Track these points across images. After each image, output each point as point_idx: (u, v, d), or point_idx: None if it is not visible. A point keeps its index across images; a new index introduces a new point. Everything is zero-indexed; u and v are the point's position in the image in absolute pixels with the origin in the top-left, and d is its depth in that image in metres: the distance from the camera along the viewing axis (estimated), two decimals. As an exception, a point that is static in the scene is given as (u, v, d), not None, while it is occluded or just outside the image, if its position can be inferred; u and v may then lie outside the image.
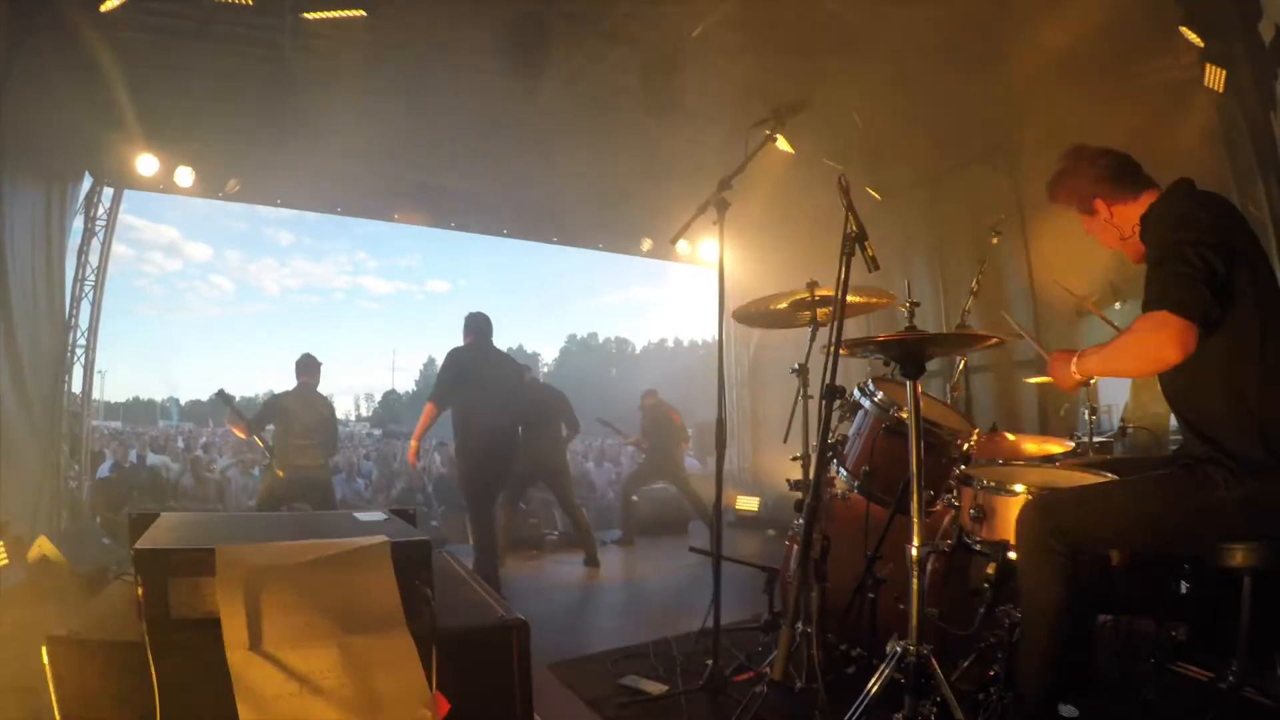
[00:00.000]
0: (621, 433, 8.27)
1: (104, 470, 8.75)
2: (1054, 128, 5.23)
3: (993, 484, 2.41)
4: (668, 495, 7.88)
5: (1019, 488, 2.33)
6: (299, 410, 5.70)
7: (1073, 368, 2.11)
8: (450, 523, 7.42)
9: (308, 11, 4.71)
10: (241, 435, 5.79)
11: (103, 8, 4.43)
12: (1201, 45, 4.37)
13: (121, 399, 58.03)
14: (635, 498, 7.67)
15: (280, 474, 5.47)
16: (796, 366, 3.16)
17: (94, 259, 6.73)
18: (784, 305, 3.19)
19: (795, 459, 3.10)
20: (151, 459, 10.63)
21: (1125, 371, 1.97)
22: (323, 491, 5.82)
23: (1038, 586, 2.02)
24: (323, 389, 6.06)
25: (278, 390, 6.13)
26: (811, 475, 2.66)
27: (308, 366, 5.96)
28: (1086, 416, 4.14)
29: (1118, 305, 5.18)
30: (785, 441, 3.23)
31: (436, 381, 5.21)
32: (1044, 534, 2.01)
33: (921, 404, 2.37)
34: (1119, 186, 2.18)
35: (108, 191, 6.75)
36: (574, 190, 8.06)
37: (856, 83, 5.82)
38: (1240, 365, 1.88)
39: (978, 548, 2.46)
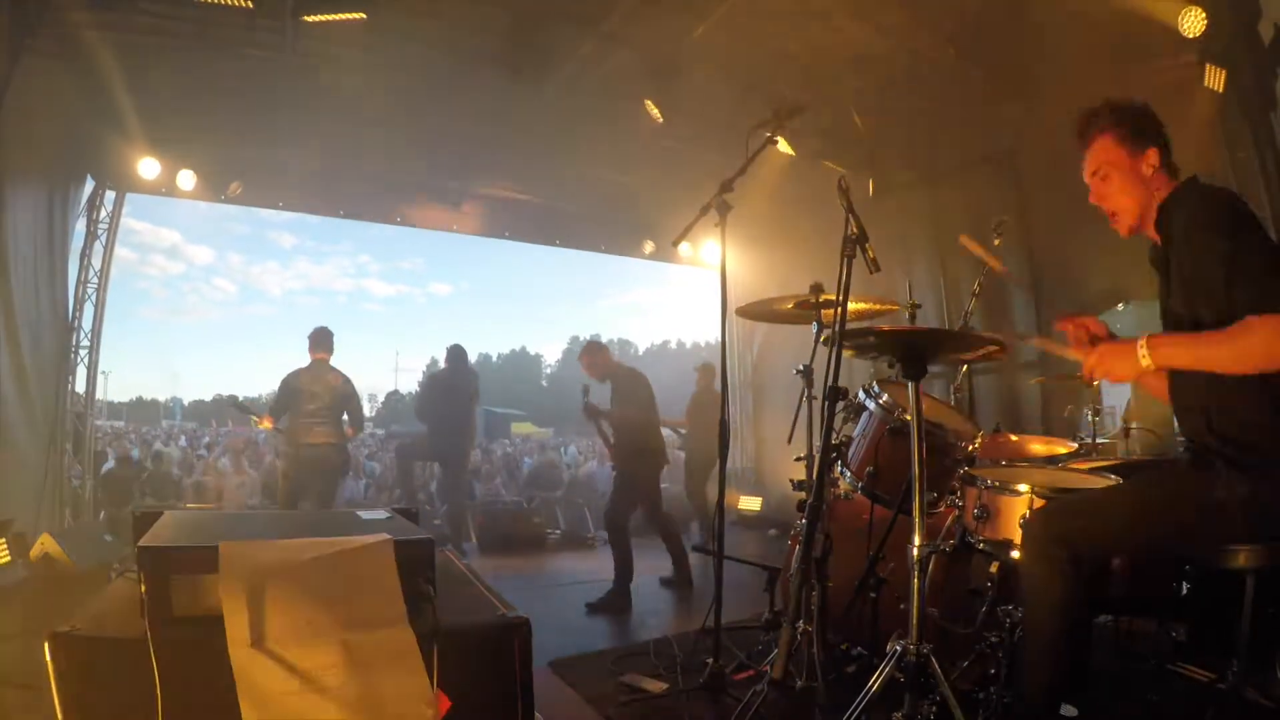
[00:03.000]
0: (662, 417, 7.96)
1: (108, 467, 8.77)
2: (1055, 128, 5.22)
3: (996, 484, 2.41)
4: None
5: (1023, 488, 2.33)
6: (310, 386, 5.70)
7: (1141, 354, 1.85)
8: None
9: (308, 14, 4.71)
10: (269, 427, 5.85)
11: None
12: (1192, 43, 4.34)
13: (125, 399, 58.09)
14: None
15: (290, 453, 5.60)
16: (800, 368, 3.17)
17: (96, 262, 6.75)
18: (788, 307, 3.20)
19: (799, 459, 3.10)
20: (158, 447, 10.63)
21: (1218, 366, 1.77)
22: (329, 474, 5.73)
23: (1039, 588, 2.02)
24: None
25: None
26: (814, 475, 2.67)
27: (319, 341, 5.93)
28: (1089, 417, 4.14)
29: (1120, 307, 5.18)
30: (789, 442, 3.24)
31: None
32: (1048, 543, 2.00)
33: (925, 405, 2.37)
34: (1168, 157, 2.07)
35: (110, 195, 6.77)
36: (576, 193, 8.06)
37: (857, 84, 5.83)
38: None
39: (981, 547, 2.46)
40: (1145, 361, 1.85)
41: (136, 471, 8.69)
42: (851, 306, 2.79)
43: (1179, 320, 1.99)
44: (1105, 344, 1.99)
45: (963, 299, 4.25)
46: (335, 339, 6.02)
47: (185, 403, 57.06)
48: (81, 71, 5.22)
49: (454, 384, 7.17)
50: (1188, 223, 1.94)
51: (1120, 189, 2.07)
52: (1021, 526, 2.20)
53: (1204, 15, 4.26)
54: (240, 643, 1.47)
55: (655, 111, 5.80)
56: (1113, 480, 2.33)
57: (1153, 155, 2.04)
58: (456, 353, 7.27)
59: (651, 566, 6.41)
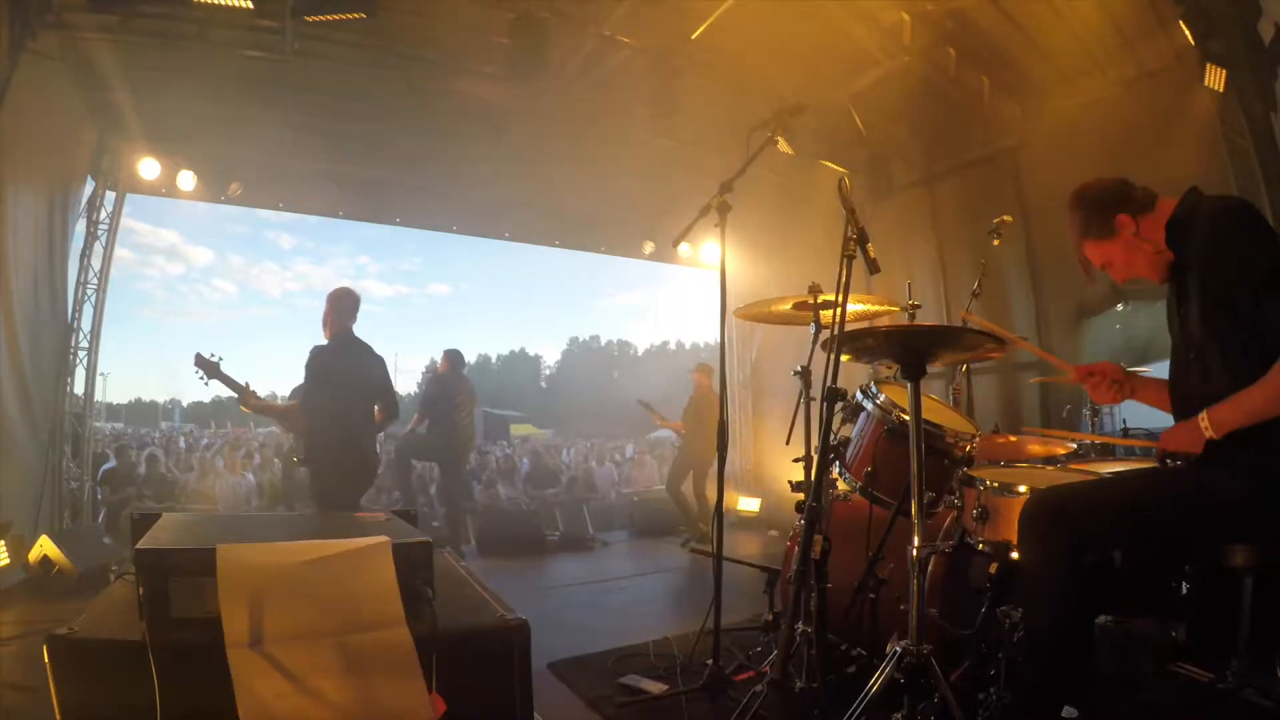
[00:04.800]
0: (658, 415, 8.07)
1: (107, 468, 8.77)
2: (1055, 128, 5.23)
3: (996, 485, 2.41)
4: (660, 497, 7.83)
5: (1022, 488, 2.33)
6: (335, 364, 4.47)
7: (1204, 426, 1.90)
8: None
9: (308, 14, 4.71)
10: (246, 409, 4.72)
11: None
12: (1192, 43, 4.34)
13: (124, 400, 57.99)
14: (687, 491, 7.41)
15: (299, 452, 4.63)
16: (799, 369, 3.16)
17: (96, 263, 6.72)
18: (786, 308, 3.20)
19: (797, 460, 3.10)
20: (151, 451, 10.62)
21: (1270, 412, 1.82)
22: (362, 464, 4.58)
23: (1040, 585, 2.01)
24: None
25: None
26: (813, 476, 2.66)
27: (341, 303, 4.61)
28: (1089, 418, 4.13)
29: (1119, 307, 5.17)
30: (787, 444, 3.23)
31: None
32: (1048, 525, 1.99)
33: (923, 406, 2.37)
34: (1130, 198, 2.09)
35: (110, 196, 6.75)
36: (575, 193, 8.06)
37: (857, 84, 5.83)
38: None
39: (980, 548, 2.46)
40: (1209, 433, 1.89)
41: (135, 473, 8.69)
42: (851, 307, 2.79)
43: (1192, 331, 2.00)
44: (1172, 430, 2.04)
45: (963, 299, 4.25)
46: None
47: (184, 404, 56.85)
48: (81, 72, 5.22)
49: (453, 386, 7.28)
50: (1209, 238, 1.93)
51: (1129, 262, 2.12)
52: (1022, 512, 2.19)
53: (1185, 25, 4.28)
54: (238, 645, 1.47)
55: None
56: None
57: (1123, 222, 2.08)
58: (454, 356, 7.42)
59: (654, 568, 6.42)
